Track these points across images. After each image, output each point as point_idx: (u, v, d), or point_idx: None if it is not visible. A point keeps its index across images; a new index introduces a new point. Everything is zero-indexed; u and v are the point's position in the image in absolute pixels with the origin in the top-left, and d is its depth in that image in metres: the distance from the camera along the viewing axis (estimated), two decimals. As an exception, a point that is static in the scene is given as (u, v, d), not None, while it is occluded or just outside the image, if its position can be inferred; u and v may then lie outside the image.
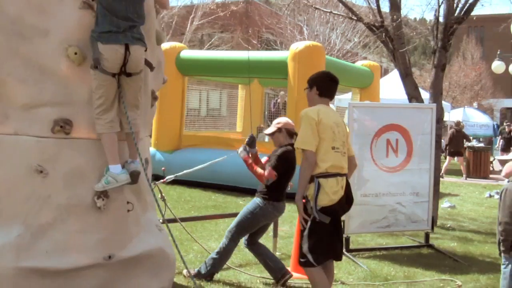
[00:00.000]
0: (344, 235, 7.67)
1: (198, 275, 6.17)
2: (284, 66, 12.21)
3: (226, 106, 18.50)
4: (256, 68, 12.73)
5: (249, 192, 12.26)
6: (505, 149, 22.38)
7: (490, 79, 42.03)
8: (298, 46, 12.18)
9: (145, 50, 4.70)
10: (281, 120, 6.24)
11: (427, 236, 8.36)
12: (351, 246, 7.90)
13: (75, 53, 4.59)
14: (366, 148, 7.90)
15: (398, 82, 10.54)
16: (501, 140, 23.87)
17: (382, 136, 7.97)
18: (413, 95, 9.80)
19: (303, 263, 5.04)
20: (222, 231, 8.49)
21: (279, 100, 16.56)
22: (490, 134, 27.43)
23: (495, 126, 27.46)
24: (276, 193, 6.08)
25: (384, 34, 9.58)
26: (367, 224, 7.97)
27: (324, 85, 5.24)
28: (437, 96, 9.75)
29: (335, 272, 6.82)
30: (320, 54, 12.18)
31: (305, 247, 4.96)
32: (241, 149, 6.15)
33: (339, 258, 5.31)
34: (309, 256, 4.96)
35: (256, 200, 6.12)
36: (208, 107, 18.73)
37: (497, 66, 23.21)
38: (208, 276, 6.20)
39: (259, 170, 6.02)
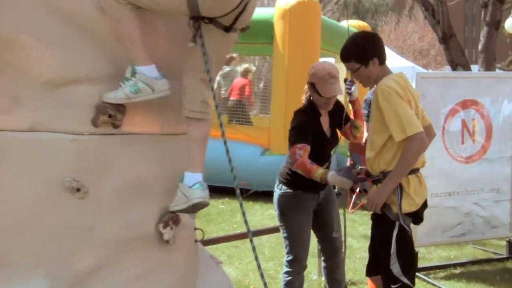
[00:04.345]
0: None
1: None
2: (268, 28, 11.11)
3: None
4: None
5: (225, 191, 10.87)
6: None
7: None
8: (288, 1, 11.07)
9: None
10: (333, 67, 4.97)
11: (510, 245, 7.53)
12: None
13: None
14: (436, 133, 6.95)
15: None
16: None
17: (457, 116, 7.03)
18: (459, 62, 8.92)
19: None
20: (229, 249, 7.45)
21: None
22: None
23: None
24: None
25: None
26: (438, 232, 7.03)
27: (381, 48, 4.43)
28: (490, 61, 8.93)
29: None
30: (316, 12, 11.15)
31: (396, 269, 4.36)
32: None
33: None
34: (404, 279, 4.39)
35: None
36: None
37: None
38: None
39: None
